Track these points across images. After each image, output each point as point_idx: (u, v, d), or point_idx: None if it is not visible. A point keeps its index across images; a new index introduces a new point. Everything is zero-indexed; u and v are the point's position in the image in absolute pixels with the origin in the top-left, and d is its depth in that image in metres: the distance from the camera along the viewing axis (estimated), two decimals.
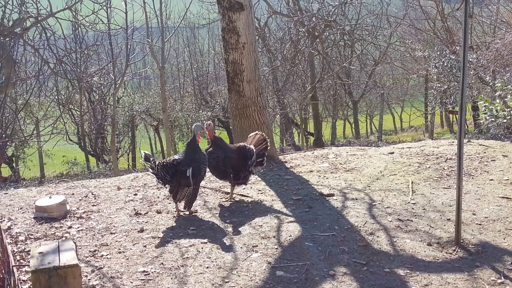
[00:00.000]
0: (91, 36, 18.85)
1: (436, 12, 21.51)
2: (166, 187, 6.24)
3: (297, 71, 20.22)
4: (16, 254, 4.96)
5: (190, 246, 5.09)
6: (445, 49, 18.00)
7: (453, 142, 9.02)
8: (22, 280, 4.40)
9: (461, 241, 5.03)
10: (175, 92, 25.99)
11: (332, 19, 18.27)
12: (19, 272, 4.51)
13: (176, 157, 5.93)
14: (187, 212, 5.96)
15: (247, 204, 6.26)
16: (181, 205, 6.03)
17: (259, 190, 6.78)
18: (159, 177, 5.82)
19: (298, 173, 7.55)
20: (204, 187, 6.94)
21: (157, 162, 5.82)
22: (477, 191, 6.48)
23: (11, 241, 5.26)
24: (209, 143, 6.48)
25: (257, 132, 6.88)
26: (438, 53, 17.35)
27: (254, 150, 6.34)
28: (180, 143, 27.45)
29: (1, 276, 3.38)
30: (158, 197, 6.63)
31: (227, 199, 6.39)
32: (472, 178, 7.01)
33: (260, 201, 6.36)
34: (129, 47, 17.97)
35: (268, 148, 6.71)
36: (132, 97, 25.12)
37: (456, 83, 15.92)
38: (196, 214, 5.97)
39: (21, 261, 4.81)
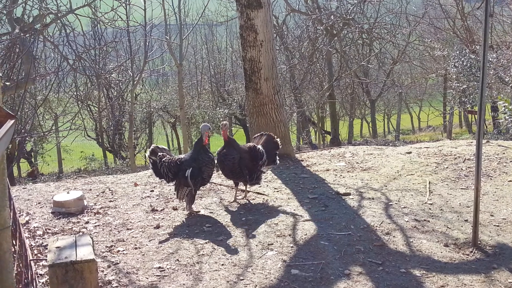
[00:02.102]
0: (110, 33, 18.96)
1: (456, 11, 21.33)
2: (169, 185, 6.27)
3: (314, 70, 20.19)
4: (33, 248, 5.01)
5: (206, 243, 5.10)
6: (465, 48, 17.85)
7: (471, 142, 8.94)
8: (39, 274, 4.45)
9: (479, 242, 4.98)
10: (192, 89, 26.10)
11: (351, 17, 18.20)
12: (36, 266, 4.56)
13: (182, 156, 5.93)
14: (186, 212, 5.92)
15: (263, 202, 6.26)
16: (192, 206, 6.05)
17: (275, 188, 6.77)
18: (159, 174, 5.85)
19: (314, 171, 7.53)
20: (220, 185, 6.96)
21: (164, 159, 5.82)
22: (495, 192, 6.42)
23: (29, 235, 5.32)
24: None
25: (262, 132, 6.79)
26: (457, 52, 17.21)
27: (264, 151, 6.25)
28: (196, 140, 27.51)
29: (18, 270, 3.42)
30: (175, 194, 6.65)
31: (242, 198, 6.38)
32: (491, 179, 6.94)
33: (276, 199, 6.35)
34: (147, 44, 18.06)
35: (280, 146, 6.61)
36: (150, 94, 25.28)
37: (475, 83, 15.78)
38: (198, 213, 5.90)
39: (39, 255, 4.86)
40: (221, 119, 23.57)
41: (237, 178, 6.27)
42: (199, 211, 5.96)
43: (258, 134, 6.74)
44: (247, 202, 6.27)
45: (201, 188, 6.15)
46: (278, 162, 6.55)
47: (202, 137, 5.81)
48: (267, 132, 6.81)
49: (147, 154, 6.02)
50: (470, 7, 20.62)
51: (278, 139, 6.59)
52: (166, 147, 6.22)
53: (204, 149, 5.81)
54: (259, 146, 6.27)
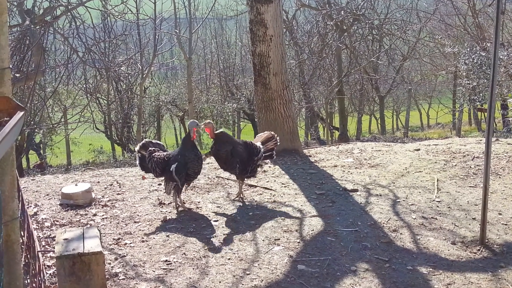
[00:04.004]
0: (120, 25, 18.99)
1: (467, 8, 21.17)
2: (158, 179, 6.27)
3: (324, 65, 20.12)
4: (41, 239, 5.03)
5: (212, 237, 5.11)
6: (476, 45, 17.72)
7: (480, 140, 8.90)
8: (47, 265, 4.48)
9: (486, 240, 4.96)
10: (201, 83, 26.10)
11: (361, 13, 18.13)
12: (44, 257, 4.59)
13: (171, 152, 5.94)
14: (176, 210, 5.91)
15: (270, 197, 6.26)
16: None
17: (282, 184, 6.77)
18: (145, 168, 5.90)
19: (322, 167, 7.52)
20: (228, 179, 6.96)
21: (154, 154, 5.83)
22: (504, 190, 6.39)
23: (37, 227, 5.35)
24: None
25: (265, 131, 6.74)
26: (468, 49, 17.10)
27: (262, 147, 6.15)
28: (205, 135, 27.55)
29: (26, 261, 3.44)
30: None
31: (236, 196, 6.26)
32: (499, 177, 6.91)
33: (284, 194, 6.35)
34: (157, 37, 18.08)
35: (278, 143, 6.43)
36: (159, 88, 25.28)
37: (485, 80, 15.69)
38: (188, 209, 5.89)
39: (46, 246, 4.88)
40: (230, 113, 23.59)
41: (231, 169, 6.16)
42: (190, 208, 5.92)
43: (262, 133, 6.68)
44: (254, 197, 6.26)
45: (191, 183, 6.16)
46: (274, 156, 6.45)
47: (190, 133, 5.78)
48: (268, 131, 6.73)
49: (137, 148, 6.04)
50: (482, 4, 20.44)
51: (277, 136, 6.46)
52: (161, 143, 6.24)
53: (192, 146, 5.77)
54: (257, 143, 6.18)
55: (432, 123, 35.64)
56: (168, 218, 5.61)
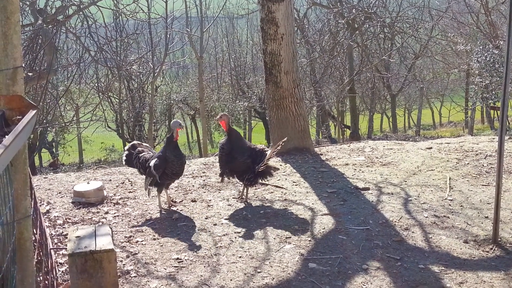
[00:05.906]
0: (132, 24, 19.06)
1: (479, 6, 21.04)
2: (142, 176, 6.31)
3: (335, 63, 20.09)
4: (53, 237, 5.06)
5: (224, 235, 5.12)
6: (488, 43, 17.61)
7: (493, 138, 8.83)
8: (59, 262, 4.50)
9: (499, 239, 4.93)
10: (212, 82, 26.17)
11: (373, 11, 18.07)
12: (56, 255, 4.61)
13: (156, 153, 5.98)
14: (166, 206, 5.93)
15: (281, 195, 6.25)
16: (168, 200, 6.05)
17: (293, 182, 6.77)
18: (131, 164, 6.02)
19: (333, 165, 7.50)
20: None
21: (140, 155, 5.89)
22: None
23: (50, 225, 5.38)
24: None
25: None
26: (480, 47, 17.01)
27: (268, 155, 5.84)
28: (216, 133, 27.62)
29: (39, 258, 3.46)
30: (193, 185, 6.68)
31: (239, 197, 6.22)
32: None
33: (295, 192, 6.34)
34: (168, 36, 18.14)
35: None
36: (170, 86, 25.39)
37: (498, 78, 15.58)
38: (169, 209, 5.88)
39: (59, 244, 4.91)
40: (241, 112, 23.62)
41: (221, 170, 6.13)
42: (170, 207, 5.91)
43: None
44: (266, 195, 6.26)
45: (171, 184, 6.10)
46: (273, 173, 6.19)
47: (173, 134, 5.76)
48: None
49: (126, 147, 6.18)
50: (494, 1, 20.32)
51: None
52: (149, 146, 6.30)
53: (174, 146, 5.74)
54: (266, 151, 5.95)
55: (444, 121, 35.52)
56: (179, 216, 5.63)
